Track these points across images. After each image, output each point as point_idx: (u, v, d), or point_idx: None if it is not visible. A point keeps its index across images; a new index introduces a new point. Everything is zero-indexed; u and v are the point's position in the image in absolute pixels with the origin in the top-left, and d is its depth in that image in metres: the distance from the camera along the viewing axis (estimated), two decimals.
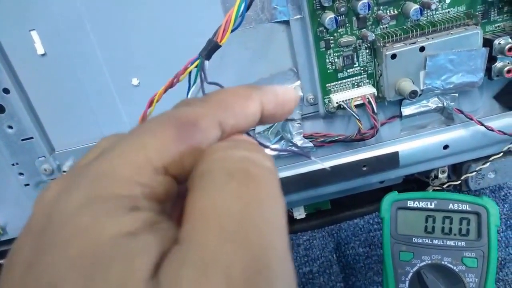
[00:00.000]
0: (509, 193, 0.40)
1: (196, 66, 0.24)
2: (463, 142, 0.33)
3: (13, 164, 0.31)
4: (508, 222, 0.38)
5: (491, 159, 0.34)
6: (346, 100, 0.30)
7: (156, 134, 0.14)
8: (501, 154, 0.33)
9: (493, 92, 0.34)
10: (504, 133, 0.32)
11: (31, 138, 0.30)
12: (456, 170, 0.37)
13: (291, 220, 0.40)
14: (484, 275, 0.28)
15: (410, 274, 0.29)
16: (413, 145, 0.33)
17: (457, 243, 0.29)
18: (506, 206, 0.39)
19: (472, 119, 0.32)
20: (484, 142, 0.33)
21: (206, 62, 0.24)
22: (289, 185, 0.33)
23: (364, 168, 0.33)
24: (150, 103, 0.26)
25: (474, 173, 0.34)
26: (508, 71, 0.28)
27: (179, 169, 0.14)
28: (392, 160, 0.33)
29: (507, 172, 0.36)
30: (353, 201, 0.40)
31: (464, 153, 0.34)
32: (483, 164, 0.34)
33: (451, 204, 0.30)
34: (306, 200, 0.37)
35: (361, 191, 0.38)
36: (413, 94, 0.28)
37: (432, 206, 0.30)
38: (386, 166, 0.34)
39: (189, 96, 0.25)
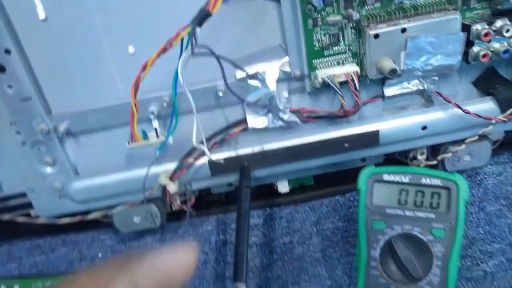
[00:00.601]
0: (485, 178, 0.41)
1: (188, 33, 0.25)
2: (441, 124, 0.35)
3: (11, 124, 0.32)
4: (481, 204, 0.39)
5: (466, 141, 0.35)
6: (330, 76, 0.31)
7: None
8: (476, 137, 0.35)
9: (471, 78, 0.36)
10: (480, 116, 0.33)
11: (30, 98, 0.31)
12: (434, 152, 0.38)
13: (275, 193, 0.42)
14: (450, 245, 0.30)
15: (382, 242, 0.31)
16: (393, 125, 0.35)
17: (427, 215, 0.31)
18: (481, 190, 0.41)
19: (450, 102, 0.34)
20: (461, 125, 0.35)
21: (198, 29, 0.25)
22: (275, 157, 0.35)
23: (346, 145, 0.35)
24: (144, 68, 0.28)
25: (450, 154, 0.36)
26: (484, 56, 0.30)
27: None
28: (372, 138, 0.35)
29: (481, 156, 0.38)
30: (335, 179, 0.42)
31: (441, 135, 0.36)
32: (459, 146, 0.36)
33: (424, 179, 0.32)
34: (291, 173, 0.39)
35: (344, 168, 0.40)
36: (393, 73, 0.29)
37: (406, 180, 0.32)
38: (367, 144, 0.35)
39: (180, 62, 0.27)
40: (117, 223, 0.38)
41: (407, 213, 0.32)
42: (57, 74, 0.32)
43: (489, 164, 0.42)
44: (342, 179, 0.42)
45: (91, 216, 0.36)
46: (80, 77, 0.32)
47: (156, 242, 0.41)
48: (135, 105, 0.28)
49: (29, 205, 0.37)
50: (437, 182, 0.31)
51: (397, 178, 0.32)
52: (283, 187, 0.40)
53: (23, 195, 0.37)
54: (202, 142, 0.31)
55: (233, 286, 0.30)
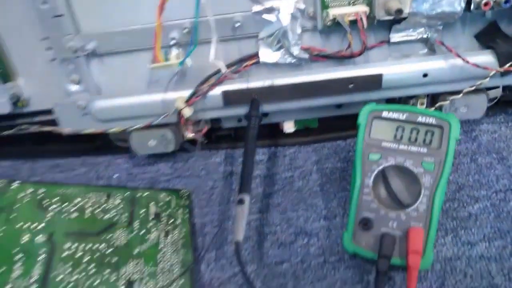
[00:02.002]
0: (480, 134, 0.44)
1: None
2: (441, 73, 0.37)
3: (44, 39, 0.35)
4: (474, 156, 0.42)
5: (464, 91, 0.38)
6: (340, 15, 0.34)
7: None
8: (473, 88, 0.38)
9: (474, 31, 0.38)
10: (478, 66, 0.36)
11: (62, 15, 0.34)
12: (433, 103, 0.41)
13: (280, 134, 0.44)
14: (438, 177, 0.33)
15: (376, 171, 0.34)
16: (396, 70, 0.37)
17: (420, 150, 0.34)
18: (475, 144, 0.43)
19: (451, 51, 0.36)
20: (460, 75, 0.37)
21: None
22: (283, 92, 0.38)
23: (351, 86, 0.38)
24: None
25: (447, 102, 0.38)
26: (485, 4, 0.32)
27: None
28: (376, 81, 0.37)
29: (477, 109, 0.40)
30: (338, 125, 0.44)
31: (441, 84, 0.38)
32: (457, 95, 0.38)
33: (419, 117, 0.34)
34: (297, 113, 0.42)
35: (347, 113, 0.42)
36: (399, 12, 0.32)
37: (403, 118, 0.35)
38: (370, 86, 0.38)
39: None
40: (133, 144, 0.41)
41: (402, 147, 0.34)
42: None
43: (486, 122, 0.45)
44: (345, 126, 0.44)
45: (111, 131, 0.39)
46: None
47: (168, 169, 0.44)
48: (160, 25, 0.31)
49: (53, 123, 0.40)
50: (431, 120, 0.34)
51: (395, 115, 0.35)
52: (289, 127, 0.43)
53: (48, 112, 0.40)
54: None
55: (238, 197, 0.33)
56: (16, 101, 0.39)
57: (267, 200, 0.40)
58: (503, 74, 0.37)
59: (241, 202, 0.33)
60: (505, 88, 0.41)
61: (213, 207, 0.40)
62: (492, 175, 0.40)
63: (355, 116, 0.43)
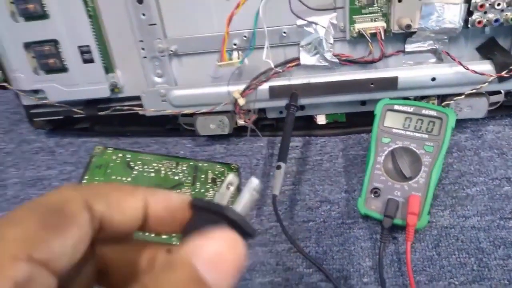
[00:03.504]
0: (485, 133, 0.51)
1: None
2: (447, 77, 0.46)
3: (140, 41, 0.48)
4: (477, 151, 0.49)
5: (466, 93, 0.46)
6: (364, 28, 0.43)
7: (18, 224, 0.14)
8: (474, 91, 0.46)
9: (475, 45, 0.46)
10: (476, 72, 0.44)
11: (155, 24, 0.46)
12: (442, 102, 0.49)
13: (314, 126, 0.54)
14: (436, 157, 0.42)
15: (386, 151, 0.43)
16: (409, 74, 0.46)
17: (423, 136, 0.43)
18: (480, 141, 0.51)
19: (455, 60, 0.45)
20: (463, 80, 0.46)
21: None
22: (317, 89, 0.48)
23: (372, 85, 0.47)
24: (237, 6, 0.41)
25: (453, 102, 0.47)
26: (479, 22, 0.41)
27: (49, 255, 0.14)
28: (392, 82, 0.47)
29: (478, 110, 0.48)
30: (362, 120, 0.54)
31: (447, 87, 0.47)
32: (460, 96, 0.46)
33: (424, 110, 0.43)
34: (328, 107, 0.51)
35: (368, 110, 0.51)
36: (408, 27, 0.41)
37: (411, 110, 0.44)
38: (388, 86, 0.47)
39: (261, 5, 0.40)
40: (198, 126, 0.52)
41: (408, 133, 0.43)
42: (173, 9, 0.46)
43: (492, 124, 0.52)
44: (368, 121, 0.54)
45: (185, 111, 0.50)
46: (188, 13, 0.46)
47: (222, 149, 0.55)
48: (227, 32, 0.42)
49: (139, 106, 0.52)
50: (433, 113, 0.43)
51: (404, 108, 0.44)
52: (321, 119, 0.53)
53: (136, 98, 0.52)
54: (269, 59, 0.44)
55: (277, 163, 0.43)
56: (113, 88, 0.51)
57: (299, 176, 0.50)
58: (500, 80, 0.45)
59: (278, 167, 0.43)
60: (507, 94, 0.49)
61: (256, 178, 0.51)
62: (491, 166, 0.48)
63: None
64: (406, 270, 0.39)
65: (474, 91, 0.46)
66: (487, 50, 0.45)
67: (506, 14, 0.41)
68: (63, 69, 0.50)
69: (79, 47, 0.48)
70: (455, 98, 0.47)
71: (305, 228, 0.45)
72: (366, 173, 0.43)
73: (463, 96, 0.46)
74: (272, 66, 0.45)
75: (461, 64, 0.44)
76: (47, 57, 0.49)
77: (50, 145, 0.59)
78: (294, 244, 0.41)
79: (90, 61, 0.49)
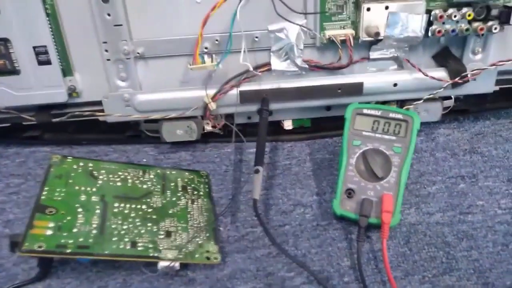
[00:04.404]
0: (437, 136, 0.55)
1: None
2: (407, 83, 0.49)
3: (104, 42, 0.45)
4: (432, 152, 0.53)
5: (424, 97, 0.49)
6: (334, 35, 0.45)
7: None
8: (431, 96, 0.49)
9: (431, 53, 0.50)
10: (433, 78, 0.47)
11: (121, 25, 0.44)
12: (402, 107, 0.52)
13: (280, 131, 0.55)
14: (404, 158, 0.44)
15: (358, 153, 0.45)
16: (373, 80, 0.49)
17: (391, 137, 0.45)
18: (433, 143, 0.54)
19: (414, 67, 0.48)
20: (421, 86, 0.49)
21: None
22: (287, 94, 0.48)
23: (339, 91, 0.49)
24: (213, 8, 0.41)
25: (412, 106, 0.50)
26: (438, 31, 0.44)
27: None
28: (358, 87, 0.49)
29: (434, 113, 0.52)
30: (327, 126, 0.55)
31: (407, 92, 0.50)
32: (419, 101, 0.49)
33: (391, 114, 0.45)
34: (296, 112, 0.52)
35: (334, 115, 0.53)
36: (376, 35, 0.43)
37: (379, 114, 0.46)
38: (354, 92, 0.49)
39: (238, 7, 0.40)
40: (164, 132, 0.50)
41: (377, 135, 0.45)
42: (140, 10, 0.44)
43: (442, 127, 0.56)
44: (332, 126, 0.55)
45: (152, 117, 0.48)
46: (157, 14, 0.44)
47: (188, 156, 0.53)
48: (201, 35, 0.41)
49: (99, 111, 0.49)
50: (399, 116, 0.45)
51: (372, 112, 0.46)
52: (288, 124, 0.54)
53: (95, 103, 0.49)
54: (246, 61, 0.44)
55: (255, 168, 0.43)
56: (71, 92, 0.48)
57: (271, 181, 0.50)
58: (453, 86, 0.49)
59: (257, 171, 0.43)
60: (456, 99, 0.53)
61: (227, 185, 0.50)
62: (446, 165, 0.51)
63: (340, 118, 0.54)
64: (383, 267, 0.41)
65: (431, 96, 0.49)
66: (442, 58, 0.49)
67: (461, 26, 0.45)
68: (13, 71, 0.45)
69: (34, 47, 0.44)
70: (414, 103, 0.50)
71: (281, 232, 0.45)
72: (339, 175, 0.45)
73: (421, 101, 0.49)
74: (251, 68, 0.44)
75: (420, 71, 0.47)
76: None
77: None
78: (277, 246, 0.40)
79: (46, 63, 0.45)
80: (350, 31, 0.45)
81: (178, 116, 0.48)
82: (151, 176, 0.47)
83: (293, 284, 0.40)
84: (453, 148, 0.54)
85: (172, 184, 0.47)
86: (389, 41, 0.46)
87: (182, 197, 0.46)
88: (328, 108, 0.52)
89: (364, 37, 0.45)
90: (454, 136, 0.55)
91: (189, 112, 0.48)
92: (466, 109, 0.56)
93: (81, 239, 0.38)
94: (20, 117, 0.49)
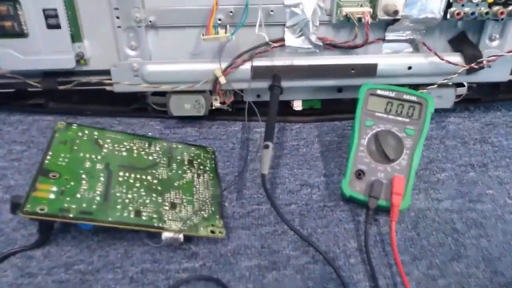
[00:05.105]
0: (448, 124, 0.54)
1: None
2: (422, 67, 0.48)
3: (115, 9, 0.44)
4: (442, 140, 0.52)
5: (439, 82, 0.48)
6: (351, 12, 0.44)
7: None
8: (445, 81, 0.48)
9: (447, 37, 0.49)
10: (449, 62, 0.46)
11: None
12: None
13: (288, 111, 0.54)
14: (416, 140, 0.43)
15: (370, 134, 0.44)
16: (388, 61, 0.48)
17: (404, 120, 0.44)
18: (444, 131, 0.53)
19: (430, 50, 0.47)
20: (436, 70, 0.48)
21: None
22: (299, 72, 0.47)
23: (353, 71, 0.48)
24: None
25: (425, 91, 0.49)
26: (458, 14, 0.43)
27: None
28: (372, 69, 0.48)
29: (447, 100, 0.51)
30: (336, 109, 0.54)
31: (421, 77, 0.49)
32: (432, 86, 0.49)
33: (405, 95, 0.44)
34: (306, 93, 0.51)
35: (346, 97, 0.52)
36: (395, 13, 0.42)
37: (393, 95, 0.45)
38: (368, 73, 0.48)
39: None
40: (171, 106, 0.49)
41: (390, 117, 0.44)
42: None
43: (453, 116, 0.56)
44: (342, 109, 0.54)
45: (161, 88, 0.47)
46: None
47: (195, 132, 0.52)
48: (216, 4, 0.40)
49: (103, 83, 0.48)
50: (413, 98, 0.44)
51: (386, 93, 0.45)
52: (298, 105, 0.53)
53: (103, 72, 0.48)
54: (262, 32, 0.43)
55: (264, 143, 0.42)
56: (79, 59, 0.46)
57: (278, 160, 0.49)
58: (468, 71, 0.48)
59: (266, 147, 0.42)
60: (468, 88, 0.52)
61: (233, 162, 0.49)
62: (456, 153, 0.51)
63: (350, 102, 0.53)
64: (390, 250, 0.40)
65: (445, 81, 0.48)
66: (458, 43, 0.48)
67: (481, 9, 0.44)
68: (21, 34, 0.44)
69: (44, 10, 0.43)
70: (428, 88, 0.49)
71: (288, 210, 0.44)
72: (349, 155, 0.44)
73: (435, 86, 0.48)
74: (267, 39, 0.43)
75: (436, 54, 0.46)
76: (3, 19, 0.43)
77: None
78: (285, 221, 0.39)
79: (56, 27, 0.44)
80: (367, 9, 0.44)
81: (187, 89, 0.47)
82: (157, 149, 0.46)
83: (298, 262, 0.40)
84: (464, 136, 0.53)
85: (178, 157, 0.46)
86: (406, 22, 0.45)
87: (188, 171, 0.45)
88: (339, 89, 0.51)
89: (381, 15, 0.44)
90: (465, 125, 0.55)
91: (198, 85, 0.47)
92: (478, 98, 0.55)
93: (84, 205, 0.37)
94: (25, 83, 0.48)
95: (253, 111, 0.53)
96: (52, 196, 0.36)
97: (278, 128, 0.54)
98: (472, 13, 0.44)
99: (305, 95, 0.52)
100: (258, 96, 0.51)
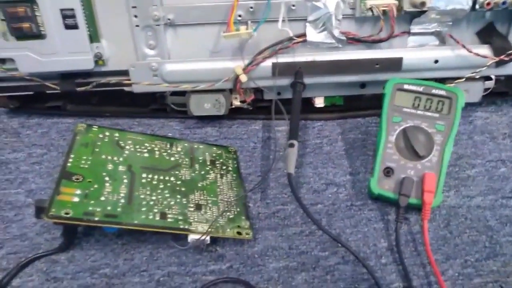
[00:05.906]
0: (475, 119, 0.52)
1: None
2: (449, 60, 0.46)
3: (133, 7, 0.43)
4: (470, 135, 0.50)
5: (467, 76, 0.47)
6: (376, 5, 0.42)
7: None
8: (474, 74, 0.47)
9: (476, 29, 0.47)
10: (478, 54, 0.45)
11: None
12: None
13: (312, 107, 0.52)
14: (447, 136, 0.42)
15: (398, 130, 0.42)
16: (414, 55, 0.46)
17: (433, 115, 0.42)
18: (471, 126, 0.52)
19: (458, 42, 0.45)
20: (463, 63, 0.46)
21: None
22: (322, 68, 0.46)
23: (377, 66, 0.46)
24: None
25: (452, 85, 0.47)
26: (488, 4, 0.42)
27: None
28: (397, 63, 0.46)
29: (475, 94, 0.49)
30: (359, 105, 0.53)
31: (448, 70, 0.47)
32: (459, 80, 0.47)
33: (433, 90, 0.43)
34: (328, 89, 0.50)
35: (369, 93, 0.51)
36: (422, 4, 0.41)
37: (421, 90, 0.43)
38: (392, 67, 0.46)
39: None
40: (191, 105, 0.48)
41: (419, 112, 0.43)
42: None
43: (480, 110, 0.54)
44: (365, 106, 0.53)
45: (181, 87, 0.46)
46: None
47: (215, 132, 0.51)
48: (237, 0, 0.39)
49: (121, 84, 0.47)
50: (443, 92, 0.43)
51: (414, 87, 0.44)
52: (319, 102, 0.51)
53: (122, 73, 0.47)
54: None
55: (289, 142, 0.41)
56: (97, 59, 0.46)
57: (301, 159, 0.48)
58: (497, 64, 0.46)
59: (291, 145, 0.41)
60: (496, 81, 0.51)
61: (255, 162, 0.48)
62: (485, 149, 0.49)
63: (374, 98, 0.51)
64: (423, 249, 0.39)
65: (473, 74, 0.47)
66: (486, 35, 0.47)
67: None
68: (39, 35, 0.44)
69: (62, 10, 0.42)
70: (455, 81, 0.47)
71: (314, 210, 0.43)
72: (377, 152, 0.42)
73: (463, 79, 0.47)
74: (291, 34, 0.42)
75: (464, 47, 0.45)
76: (21, 20, 0.42)
77: (14, 126, 0.51)
78: (315, 221, 0.38)
79: (74, 27, 0.43)
80: (393, 1, 0.43)
81: (207, 88, 0.46)
82: (179, 149, 0.45)
83: (327, 263, 0.38)
84: (492, 131, 0.51)
85: (200, 158, 0.45)
86: (433, 14, 0.43)
87: (211, 171, 0.44)
88: (362, 85, 0.50)
89: (408, 8, 0.42)
90: (493, 120, 0.53)
91: (219, 84, 0.46)
92: (505, 91, 0.53)
93: (109, 208, 0.36)
94: (43, 85, 0.47)
95: (275, 111, 0.52)
96: (76, 199, 0.35)
97: (300, 126, 0.52)
98: (504, 2, 0.42)
99: (327, 91, 0.51)
100: (279, 93, 0.50)
